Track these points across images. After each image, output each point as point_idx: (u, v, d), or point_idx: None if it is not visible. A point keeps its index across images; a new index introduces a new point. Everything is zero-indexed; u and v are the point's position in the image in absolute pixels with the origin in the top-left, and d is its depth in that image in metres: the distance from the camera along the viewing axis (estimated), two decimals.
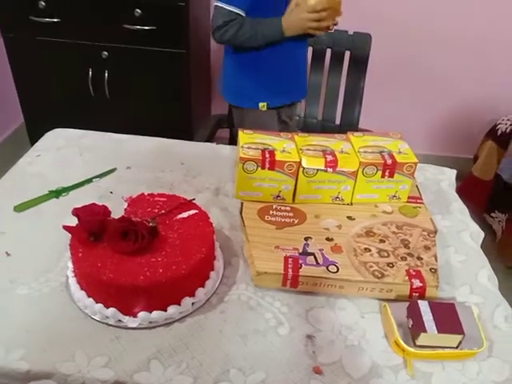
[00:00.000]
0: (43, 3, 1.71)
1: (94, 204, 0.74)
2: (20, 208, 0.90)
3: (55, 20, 1.74)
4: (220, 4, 1.17)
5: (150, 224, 0.73)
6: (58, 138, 1.12)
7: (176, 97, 1.84)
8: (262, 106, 1.34)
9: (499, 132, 1.96)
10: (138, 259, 0.70)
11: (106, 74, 1.81)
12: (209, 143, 1.21)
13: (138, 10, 1.67)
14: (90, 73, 1.83)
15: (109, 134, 1.14)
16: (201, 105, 2.10)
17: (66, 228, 0.72)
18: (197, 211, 0.80)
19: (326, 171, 0.86)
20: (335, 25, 1.23)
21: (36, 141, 2.06)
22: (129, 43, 1.75)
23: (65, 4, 1.72)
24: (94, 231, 0.71)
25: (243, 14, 1.18)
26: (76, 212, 0.72)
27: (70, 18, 1.74)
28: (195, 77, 1.87)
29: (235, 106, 1.39)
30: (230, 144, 1.36)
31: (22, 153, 2.07)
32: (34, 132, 2.07)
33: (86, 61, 1.81)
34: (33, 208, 0.90)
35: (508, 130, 1.92)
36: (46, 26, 1.75)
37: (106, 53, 1.78)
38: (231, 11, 1.17)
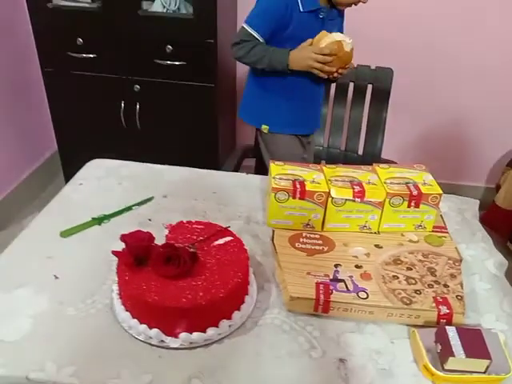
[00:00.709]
0: (81, 40, 1.83)
1: (139, 231, 0.80)
2: (66, 234, 0.96)
3: (91, 56, 1.85)
4: (244, 25, 1.30)
5: (191, 250, 0.78)
6: (98, 168, 1.19)
7: (204, 128, 1.92)
8: (264, 128, 1.44)
9: None
10: (180, 283, 0.75)
11: (138, 106, 1.91)
12: (239, 173, 1.27)
13: (170, 47, 1.76)
14: (122, 105, 1.92)
15: (145, 164, 1.21)
16: (227, 135, 2.18)
17: (114, 253, 0.77)
18: (232, 238, 0.85)
19: (354, 201, 0.91)
20: (341, 74, 1.31)
21: (69, 169, 2.17)
22: (160, 77, 1.84)
23: (101, 41, 1.83)
24: (139, 256, 0.76)
25: (260, 39, 1.29)
26: (123, 238, 0.78)
27: (105, 54, 1.85)
28: (222, 109, 1.95)
29: (253, 125, 1.51)
30: (255, 173, 1.42)
31: (54, 180, 2.20)
32: (67, 161, 2.17)
33: (118, 93, 1.91)
34: (77, 234, 0.97)
35: None
36: (82, 61, 1.86)
37: (138, 86, 1.88)
38: (250, 33, 1.29)
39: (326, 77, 1.31)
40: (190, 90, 1.84)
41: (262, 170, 1.55)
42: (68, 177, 2.14)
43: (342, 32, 1.37)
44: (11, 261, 0.90)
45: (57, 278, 0.86)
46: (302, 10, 1.28)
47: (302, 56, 1.27)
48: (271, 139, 1.47)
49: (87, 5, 1.84)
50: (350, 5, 1.31)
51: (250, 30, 1.28)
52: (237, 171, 1.54)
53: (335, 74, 1.29)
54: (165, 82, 1.84)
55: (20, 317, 0.77)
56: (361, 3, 1.28)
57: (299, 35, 1.28)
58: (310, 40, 1.27)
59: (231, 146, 2.30)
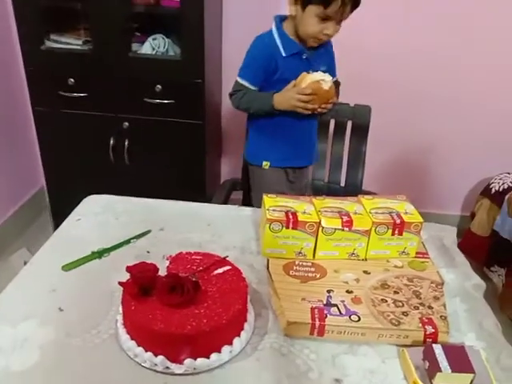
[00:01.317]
0: (72, 80, 1.89)
1: (143, 262, 0.84)
2: (67, 267, 0.99)
3: (82, 95, 1.91)
4: (237, 77, 1.44)
5: (193, 279, 0.83)
6: (95, 204, 1.24)
7: (191, 163, 1.98)
8: (265, 164, 1.53)
9: (493, 190, 2.10)
10: (184, 311, 0.79)
11: (127, 143, 1.96)
12: (230, 205, 1.32)
13: (159, 86, 1.84)
14: (111, 141, 1.97)
15: (141, 199, 1.26)
16: (213, 170, 2.24)
17: (120, 283, 0.81)
18: (230, 267, 0.90)
19: (342, 230, 0.97)
20: (325, 109, 1.39)
21: (56, 205, 2.19)
22: (149, 115, 1.91)
23: (92, 81, 1.89)
24: (144, 286, 0.81)
25: (251, 87, 1.42)
26: (129, 269, 0.82)
27: (95, 93, 1.91)
28: (209, 145, 2.03)
29: (250, 163, 1.60)
30: (242, 205, 1.49)
31: (39, 217, 2.23)
32: (55, 197, 2.19)
33: (107, 131, 1.96)
34: (79, 267, 1.00)
35: (501, 189, 2.06)
36: (73, 100, 1.92)
37: (127, 123, 1.94)
38: (241, 84, 1.42)
39: (309, 113, 1.39)
40: (178, 127, 1.91)
41: (248, 202, 1.63)
42: (55, 213, 2.19)
43: (333, 67, 1.49)
44: (16, 295, 0.93)
45: (61, 310, 0.89)
46: (284, 55, 1.38)
47: (286, 96, 1.37)
48: (259, 174, 1.56)
49: (79, 47, 1.91)
50: (317, 42, 1.37)
51: (241, 80, 1.43)
52: (225, 204, 1.59)
53: (319, 110, 1.38)
54: (154, 120, 1.91)
55: (28, 348, 0.80)
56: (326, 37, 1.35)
57: (288, 78, 1.38)
58: (292, 82, 1.37)
59: (217, 179, 2.36)
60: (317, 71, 1.35)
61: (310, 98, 1.34)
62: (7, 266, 2.05)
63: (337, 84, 1.50)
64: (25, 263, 1.57)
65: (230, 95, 1.47)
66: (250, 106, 1.44)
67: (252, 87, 1.43)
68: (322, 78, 1.34)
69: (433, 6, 2.00)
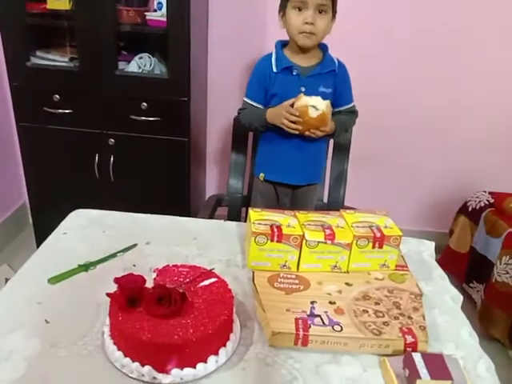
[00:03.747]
0: (58, 96, 1.90)
1: (131, 274, 0.86)
2: (54, 280, 1.00)
3: (67, 111, 1.93)
4: (243, 97, 1.55)
5: (180, 290, 0.84)
6: (81, 218, 1.25)
7: (177, 179, 2.01)
8: (261, 176, 1.61)
9: (470, 208, 2.16)
10: (171, 321, 0.80)
11: (112, 159, 1.98)
12: (216, 220, 1.35)
13: (145, 104, 1.87)
14: (97, 158, 1.99)
15: (127, 213, 1.27)
16: (198, 186, 2.27)
17: (108, 295, 0.82)
18: (216, 279, 0.92)
19: (325, 243, 1.01)
20: (314, 134, 1.40)
21: (39, 221, 2.17)
22: (134, 132, 1.93)
23: (78, 98, 1.91)
24: (132, 297, 0.82)
25: (255, 104, 1.51)
26: (117, 281, 0.83)
27: (81, 110, 1.92)
28: (194, 162, 2.05)
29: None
30: (228, 220, 1.51)
31: (20, 232, 2.21)
32: (37, 212, 2.18)
33: (93, 147, 1.97)
34: (65, 280, 1.01)
35: (477, 207, 2.13)
36: (58, 116, 1.93)
37: (112, 140, 1.96)
38: (245, 101, 1.54)
39: (296, 133, 1.41)
40: (164, 144, 1.93)
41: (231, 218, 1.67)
42: (38, 229, 2.17)
43: (344, 92, 1.53)
44: (2, 307, 0.93)
45: (47, 322, 0.89)
46: (275, 70, 1.46)
47: (276, 113, 1.42)
48: (255, 184, 1.66)
49: (65, 64, 1.93)
50: (307, 37, 1.41)
51: (245, 99, 1.54)
52: (211, 219, 1.61)
53: (307, 133, 1.41)
54: (139, 137, 1.93)
55: (14, 360, 0.80)
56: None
57: (281, 93, 1.44)
58: (291, 100, 1.40)
59: (201, 195, 2.38)
60: (317, 95, 1.38)
61: (295, 119, 1.37)
62: None
63: (350, 111, 1.57)
64: (6, 280, 1.56)
65: (238, 114, 1.58)
66: (249, 121, 1.54)
67: (254, 104, 1.51)
68: (314, 105, 1.35)
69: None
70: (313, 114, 1.36)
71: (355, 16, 1.97)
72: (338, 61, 1.52)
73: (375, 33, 2.10)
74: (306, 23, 1.38)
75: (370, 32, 2.09)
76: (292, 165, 1.56)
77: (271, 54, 1.50)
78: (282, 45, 1.51)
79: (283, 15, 1.44)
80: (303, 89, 1.42)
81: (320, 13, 1.38)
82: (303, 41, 1.41)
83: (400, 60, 2.16)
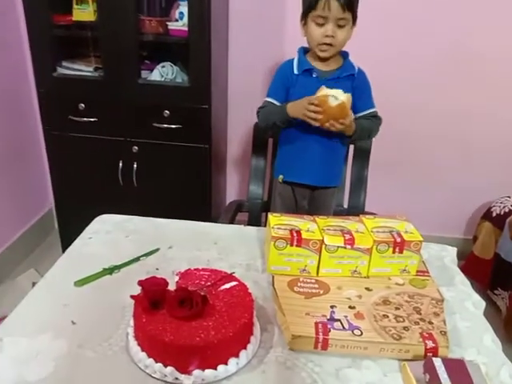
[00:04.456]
0: (83, 105, 1.96)
1: (154, 277, 0.88)
2: (79, 283, 1.03)
3: (92, 119, 1.98)
4: (265, 98, 1.55)
5: (202, 293, 0.86)
6: (106, 223, 1.28)
7: (198, 185, 2.04)
8: (280, 178, 1.62)
9: (494, 214, 2.13)
10: (192, 323, 0.82)
11: (135, 166, 2.02)
12: (236, 225, 1.36)
13: (167, 112, 1.91)
14: (120, 164, 2.03)
15: (150, 218, 1.30)
16: (218, 192, 2.29)
17: (133, 297, 0.85)
18: (237, 283, 0.94)
19: (345, 248, 1.01)
20: (333, 126, 1.38)
21: (65, 226, 2.23)
22: (157, 139, 1.97)
23: (102, 106, 1.96)
24: (155, 299, 0.84)
25: (275, 102, 1.52)
26: (141, 283, 0.86)
27: (105, 118, 1.97)
28: (215, 168, 2.08)
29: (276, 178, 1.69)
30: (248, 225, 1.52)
31: (46, 238, 2.26)
32: (63, 218, 2.24)
33: (117, 154, 2.02)
34: (91, 283, 1.04)
35: (502, 212, 2.09)
36: (83, 125, 1.98)
37: (136, 147, 2.00)
38: (266, 100, 1.54)
39: (317, 125, 1.39)
40: (185, 151, 1.97)
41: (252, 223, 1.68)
42: (63, 234, 2.23)
43: (364, 97, 1.53)
44: (31, 309, 0.96)
45: (74, 323, 0.92)
46: (296, 72, 1.49)
47: (299, 105, 1.42)
48: (275, 187, 1.66)
49: (90, 73, 1.99)
50: (325, 50, 1.43)
51: (266, 98, 1.55)
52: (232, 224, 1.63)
53: (326, 125, 1.39)
54: (162, 144, 1.97)
55: (42, 360, 0.83)
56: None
57: (301, 94, 1.44)
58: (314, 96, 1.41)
59: (222, 201, 2.41)
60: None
61: (315, 108, 1.36)
62: (15, 286, 2.08)
63: (371, 115, 1.56)
64: (33, 284, 1.61)
65: (257, 112, 1.56)
66: (268, 117, 1.52)
67: (275, 102, 1.53)
68: (334, 95, 1.36)
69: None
70: (332, 102, 1.36)
71: (373, 25, 1.97)
72: (358, 67, 1.52)
73: (394, 41, 2.10)
74: (327, 36, 1.39)
75: (389, 40, 2.09)
76: (310, 165, 1.57)
77: (293, 58, 1.53)
78: (304, 51, 1.53)
79: (304, 24, 1.45)
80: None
81: (340, 27, 1.39)
82: (323, 54, 1.44)
83: (421, 66, 2.15)
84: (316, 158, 1.56)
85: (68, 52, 2.03)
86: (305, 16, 1.44)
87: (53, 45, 1.91)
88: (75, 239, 1.22)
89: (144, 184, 2.05)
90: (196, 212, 1.94)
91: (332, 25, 1.38)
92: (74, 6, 1.86)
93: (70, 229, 2.06)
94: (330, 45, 1.41)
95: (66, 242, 1.24)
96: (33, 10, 1.83)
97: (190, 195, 2.06)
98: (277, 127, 1.54)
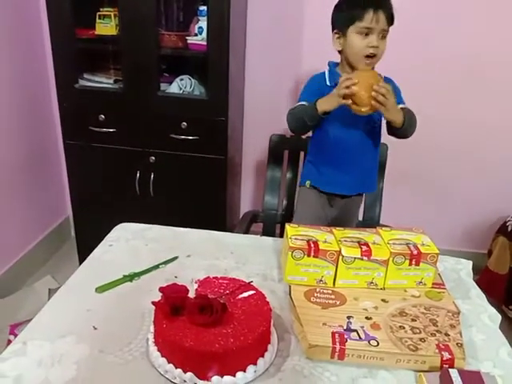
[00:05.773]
0: (103, 116, 2.01)
1: (175, 284, 0.90)
2: (101, 289, 1.05)
3: (111, 130, 2.03)
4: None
5: (221, 301, 0.88)
6: (125, 231, 1.31)
7: (213, 196, 2.06)
8: (308, 183, 1.61)
9: (509, 228, 2.12)
10: (212, 330, 0.84)
11: (152, 176, 2.06)
12: (252, 235, 1.38)
13: (185, 123, 1.95)
14: (138, 174, 2.07)
15: (168, 227, 1.33)
16: (234, 203, 2.32)
17: (154, 303, 0.87)
18: (255, 292, 0.95)
19: (362, 259, 1.02)
20: (376, 100, 1.31)
21: (81, 234, 2.26)
22: (174, 150, 2.00)
23: (121, 117, 2.01)
24: (175, 306, 0.86)
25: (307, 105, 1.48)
26: (162, 290, 0.88)
27: (124, 129, 2.02)
28: (230, 179, 2.11)
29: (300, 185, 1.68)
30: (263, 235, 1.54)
31: (63, 245, 2.29)
32: (80, 226, 2.28)
33: (134, 164, 2.06)
34: (111, 289, 1.06)
35: None
36: (102, 135, 2.03)
37: (153, 158, 2.04)
38: (298, 103, 1.50)
39: (358, 110, 1.34)
40: (202, 161, 2.00)
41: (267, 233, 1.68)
42: (80, 242, 2.26)
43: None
44: (53, 314, 0.99)
45: (95, 328, 0.94)
46: (328, 84, 1.49)
47: (330, 95, 1.39)
48: (301, 192, 1.65)
49: (110, 85, 2.04)
50: (370, 61, 1.42)
51: (298, 103, 1.50)
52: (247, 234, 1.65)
53: (373, 103, 1.32)
54: (179, 155, 2.01)
55: (65, 363, 0.85)
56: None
57: None
58: None
59: (236, 212, 2.43)
60: None
61: (349, 78, 1.32)
62: (32, 292, 2.12)
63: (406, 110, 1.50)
64: (49, 291, 1.63)
65: (288, 114, 1.51)
66: (297, 114, 1.46)
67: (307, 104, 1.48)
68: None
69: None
70: (363, 71, 1.37)
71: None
72: (385, 76, 1.51)
73: (413, 56, 2.12)
74: (372, 47, 1.40)
75: (408, 54, 2.11)
76: (344, 175, 1.55)
77: (324, 71, 1.53)
78: (334, 65, 1.54)
79: (340, 37, 1.45)
80: None
81: (382, 38, 1.41)
82: (366, 65, 1.43)
83: (434, 79, 2.16)
84: (351, 168, 1.54)
85: (89, 64, 2.08)
86: (343, 29, 1.42)
87: (75, 57, 1.97)
88: (91, 247, 1.24)
89: (160, 194, 2.08)
90: (211, 222, 1.96)
91: (376, 36, 1.39)
92: (97, 21, 1.92)
93: (86, 237, 2.10)
94: (374, 55, 1.42)
95: (83, 250, 1.27)
96: (57, 24, 1.90)
97: (205, 205, 2.09)
98: (305, 125, 1.47)
